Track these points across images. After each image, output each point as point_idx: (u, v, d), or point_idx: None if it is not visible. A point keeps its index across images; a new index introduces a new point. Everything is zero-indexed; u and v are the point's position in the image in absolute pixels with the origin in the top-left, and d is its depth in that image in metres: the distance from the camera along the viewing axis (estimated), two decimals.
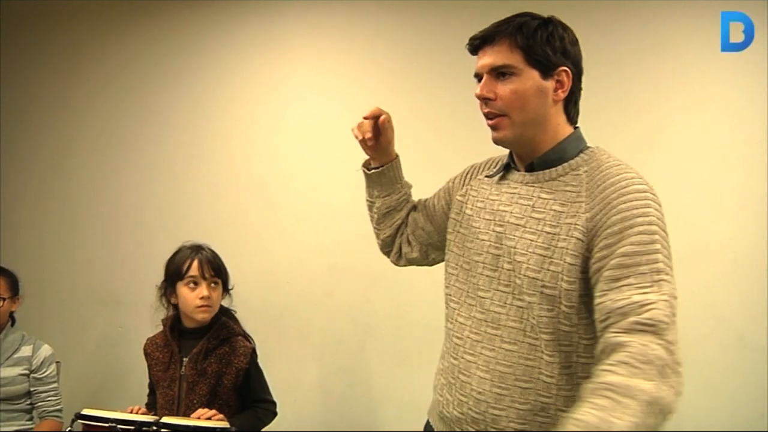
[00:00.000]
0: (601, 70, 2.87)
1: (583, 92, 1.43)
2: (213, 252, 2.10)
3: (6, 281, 2.42)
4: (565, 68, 1.34)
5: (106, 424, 1.67)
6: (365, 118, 1.60)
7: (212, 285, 2.03)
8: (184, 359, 2.02)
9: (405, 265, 1.80)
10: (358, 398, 3.08)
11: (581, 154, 1.36)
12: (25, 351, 2.40)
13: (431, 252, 1.71)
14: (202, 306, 2.00)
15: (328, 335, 3.09)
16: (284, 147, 3.18)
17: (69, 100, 3.61)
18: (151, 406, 2.12)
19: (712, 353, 2.58)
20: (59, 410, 2.42)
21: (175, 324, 2.10)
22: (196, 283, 2.01)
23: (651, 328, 1.11)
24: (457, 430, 1.42)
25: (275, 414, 2.10)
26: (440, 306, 1.59)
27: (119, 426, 1.67)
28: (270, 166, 3.20)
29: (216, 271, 2.04)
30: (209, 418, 1.79)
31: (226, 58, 3.29)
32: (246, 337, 2.12)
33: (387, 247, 1.80)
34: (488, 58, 1.34)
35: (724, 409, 2.56)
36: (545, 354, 1.29)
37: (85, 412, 1.73)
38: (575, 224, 1.25)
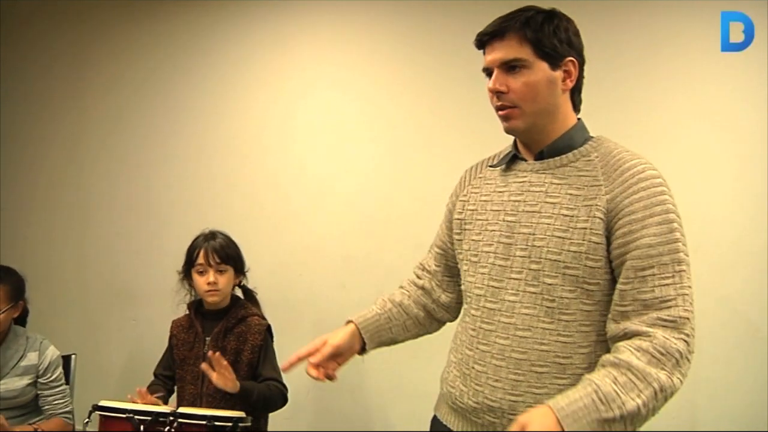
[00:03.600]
0: (600, 70, 2.89)
1: (582, 92, 1.46)
2: (225, 239, 2.23)
3: (7, 289, 2.26)
4: (572, 58, 1.40)
5: (124, 415, 1.68)
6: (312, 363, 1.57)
7: (219, 271, 2.16)
8: (207, 338, 2.16)
9: None
10: (372, 390, 3.08)
11: (589, 142, 1.42)
12: (31, 358, 2.30)
13: None
14: (209, 290, 2.15)
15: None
16: (297, 139, 3.17)
17: (81, 93, 3.61)
18: (157, 386, 2.24)
19: (727, 346, 2.56)
20: (68, 411, 2.37)
21: (198, 307, 2.25)
22: (203, 271, 2.17)
23: (672, 324, 1.22)
24: (474, 419, 1.43)
25: (286, 398, 2.14)
26: None
27: (136, 417, 1.67)
28: (283, 159, 3.19)
29: (223, 259, 2.17)
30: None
31: (238, 51, 3.28)
32: (262, 317, 2.26)
33: (447, 317, 1.72)
34: (498, 52, 1.37)
35: (741, 403, 2.54)
36: (561, 336, 1.32)
37: (102, 403, 1.73)
38: (596, 205, 1.30)
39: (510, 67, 1.35)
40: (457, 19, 2.88)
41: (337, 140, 3.10)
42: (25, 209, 3.78)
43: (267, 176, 3.22)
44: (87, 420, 1.72)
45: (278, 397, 2.11)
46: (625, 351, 1.22)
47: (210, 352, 1.94)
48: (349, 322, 1.66)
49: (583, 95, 1.41)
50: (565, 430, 1.16)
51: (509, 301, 1.37)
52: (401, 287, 1.72)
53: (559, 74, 1.38)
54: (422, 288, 1.69)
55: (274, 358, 2.19)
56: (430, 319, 1.68)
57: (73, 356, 2.55)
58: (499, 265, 1.40)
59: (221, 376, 1.92)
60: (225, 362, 1.93)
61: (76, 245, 3.65)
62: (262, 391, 2.05)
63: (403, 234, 2.99)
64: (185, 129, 3.40)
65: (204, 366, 1.93)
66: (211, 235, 2.22)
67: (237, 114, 3.30)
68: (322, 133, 3.13)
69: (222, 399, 2.02)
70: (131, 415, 1.67)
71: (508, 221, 1.40)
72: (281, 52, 3.22)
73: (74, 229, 3.67)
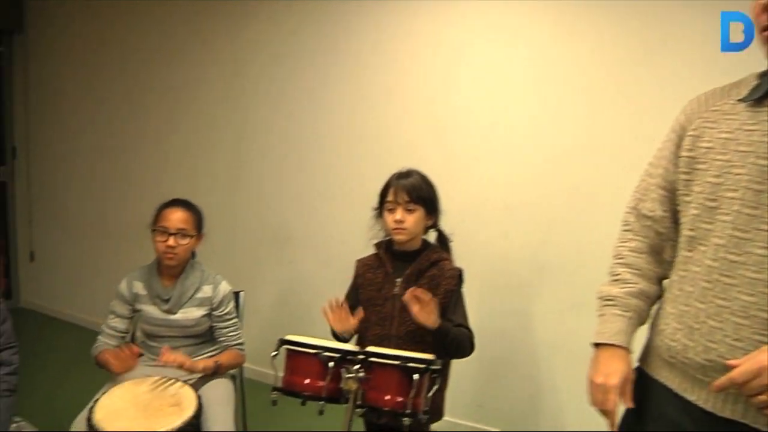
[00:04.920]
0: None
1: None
2: (419, 179, 2.13)
3: (194, 218, 2.39)
4: None
5: (312, 351, 1.66)
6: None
7: (408, 210, 2.07)
8: (398, 280, 2.09)
9: None
10: (530, 341, 3.00)
11: None
12: (206, 291, 2.39)
13: None
14: (396, 228, 2.07)
15: (502, 277, 2.99)
16: (461, 88, 3.05)
17: (239, 34, 3.67)
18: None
19: None
20: (241, 343, 2.46)
21: (388, 247, 2.17)
22: (392, 208, 2.08)
23: None
24: (699, 376, 1.30)
25: (473, 346, 2.06)
26: None
27: (325, 353, 1.64)
28: (446, 104, 3.09)
29: (412, 198, 2.07)
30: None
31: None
32: (452, 262, 2.16)
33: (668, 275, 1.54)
34: None
35: None
36: None
37: (290, 338, 1.72)
38: None
39: None
40: None
41: (501, 89, 2.96)
42: (190, 154, 3.94)
43: (429, 125, 3.14)
44: (275, 353, 1.71)
45: (468, 344, 2.03)
46: None
47: (413, 289, 1.89)
48: (603, 345, 1.46)
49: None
50: None
51: (758, 254, 1.21)
52: (625, 263, 1.51)
53: None
54: (650, 252, 1.49)
55: (464, 304, 2.10)
56: (662, 288, 1.52)
57: (241, 293, 2.60)
58: (746, 214, 1.23)
59: (424, 310, 1.87)
60: (430, 296, 1.87)
61: (235, 188, 3.76)
62: (456, 335, 1.97)
63: (567, 182, 2.85)
64: (344, 77, 3.36)
65: (407, 296, 1.88)
66: (406, 174, 2.13)
67: (397, 63, 3.21)
68: (486, 81, 2.99)
69: (411, 341, 1.96)
70: (320, 351, 1.64)
71: (759, 165, 1.22)
72: (445, 1, 3.08)
73: (233, 173, 3.78)
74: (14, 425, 2.00)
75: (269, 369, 3.37)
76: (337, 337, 2.07)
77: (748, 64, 2.33)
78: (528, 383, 3.03)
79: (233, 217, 3.72)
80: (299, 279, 3.57)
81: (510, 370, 3.05)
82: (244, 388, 2.62)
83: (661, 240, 1.47)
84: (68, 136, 4.56)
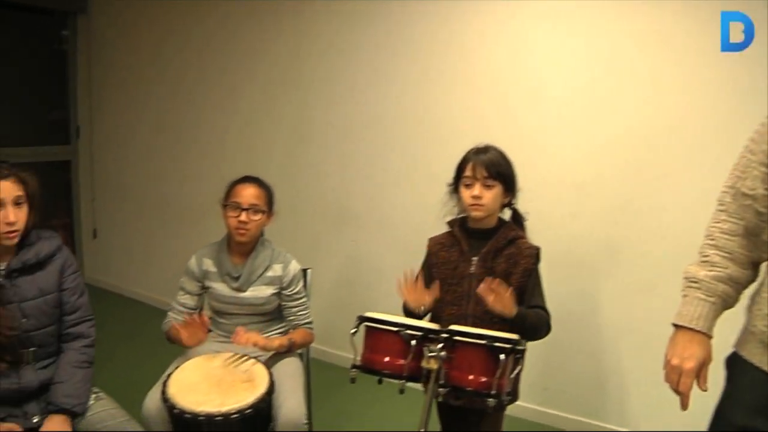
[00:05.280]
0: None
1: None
2: (497, 155, 2.07)
3: (266, 194, 2.39)
4: None
5: (394, 329, 1.63)
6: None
7: (486, 186, 2.01)
8: (473, 258, 2.03)
9: None
10: (598, 324, 2.94)
11: None
12: (276, 270, 2.38)
13: None
14: (473, 204, 2.01)
15: (570, 258, 2.91)
16: (530, 63, 2.98)
17: (299, 14, 3.64)
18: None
19: None
20: (310, 322, 2.45)
21: (462, 224, 2.12)
22: (470, 184, 2.02)
23: None
24: None
25: (550, 327, 2.01)
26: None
27: (407, 331, 1.61)
28: (514, 83, 3.02)
29: (490, 173, 2.01)
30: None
31: None
32: (529, 240, 2.11)
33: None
34: None
35: None
36: None
37: (370, 315, 1.69)
38: None
39: None
40: None
41: (570, 66, 2.88)
42: (250, 134, 3.94)
43: (496, 104, 3.07)
44: (354, 330, 1.69)
45: (545, 327, 1.99)
46: None
47: (488, 279, 1.82)
48: (682, 327, 1.44)
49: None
50: None
51: None
52: (716, 245, 1.45)
53: None
54: (744, 234, 1.42)
55: (542, 285, 2.04)
56: (756, 272, 1.45)
57: (308, 270, 2.59)
58: None
59: (500, 300, 1.81)
60: (506, 287, 1.82)
61: (294, 167, 3.76)
62: (533, 320, 1.93)
63: (638, 162, 2.76)
64: (409, 55, 3.32)
65: (482, 289, 1.82)
66: (484, 149, 2.06)
67: (465, 42, 3.15)
68: (555, 59, 2.91)
69: (488, 321, 1.91)
70: (402, 329, 1.62)
71: None
72: None
73: (294, 152, 3.77)
74: (93, 395, 2.04)
75: (331, 348, 3.42)
76: (409, 313, 2.03)
77: (748, 64, 2.41)
78: (594, 367, 2.97)
79: (295, 197, 3.71)
80: (362, 259, 3.55)
81: (576, 352, 2.99)
82: (310, 367, 2.62)
83: (761, 220, 1.39)
84: (130, 115, 4.63)
